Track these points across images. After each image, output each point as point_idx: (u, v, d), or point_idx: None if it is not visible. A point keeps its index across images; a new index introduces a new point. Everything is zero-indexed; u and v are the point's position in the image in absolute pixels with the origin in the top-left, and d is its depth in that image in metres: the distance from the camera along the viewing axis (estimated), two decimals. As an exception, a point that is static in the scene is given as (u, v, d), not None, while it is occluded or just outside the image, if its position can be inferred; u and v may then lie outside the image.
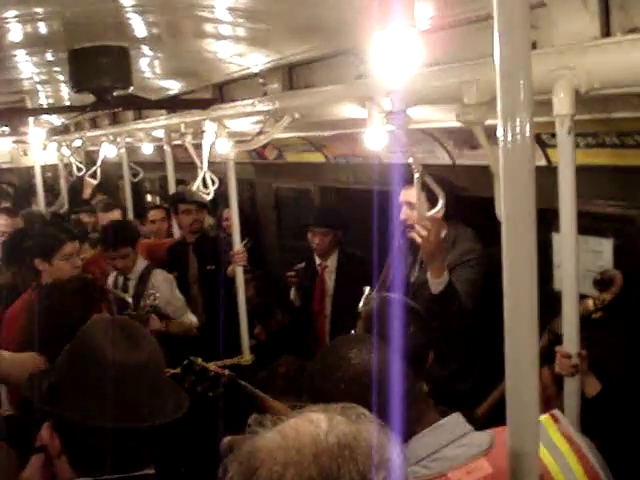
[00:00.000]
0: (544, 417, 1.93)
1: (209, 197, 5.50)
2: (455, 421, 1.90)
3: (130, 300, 4.69)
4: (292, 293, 5.75)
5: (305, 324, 5.70)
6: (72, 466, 1.82)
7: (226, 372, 3.51)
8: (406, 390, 1.83)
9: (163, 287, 5.38)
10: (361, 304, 4.15)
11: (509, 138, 1.30)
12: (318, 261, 5.63)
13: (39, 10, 2.85)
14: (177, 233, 6.68)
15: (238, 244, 5.10)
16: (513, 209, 1.33)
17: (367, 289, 4.27)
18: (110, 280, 5.50)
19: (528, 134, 1.30)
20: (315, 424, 1.13)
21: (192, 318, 5.48)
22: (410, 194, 4.04)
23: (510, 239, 1.34)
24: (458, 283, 3.87)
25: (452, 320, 3.80)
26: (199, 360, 3.59)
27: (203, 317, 5.81)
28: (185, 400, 2.02)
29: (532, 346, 1.35)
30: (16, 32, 3.23)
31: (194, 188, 5.54)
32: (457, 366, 4.12)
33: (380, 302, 2.81)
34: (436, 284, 3.84)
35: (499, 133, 1.33)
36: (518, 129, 1.30)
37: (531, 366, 1.34)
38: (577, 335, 2.72)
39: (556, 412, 2.02)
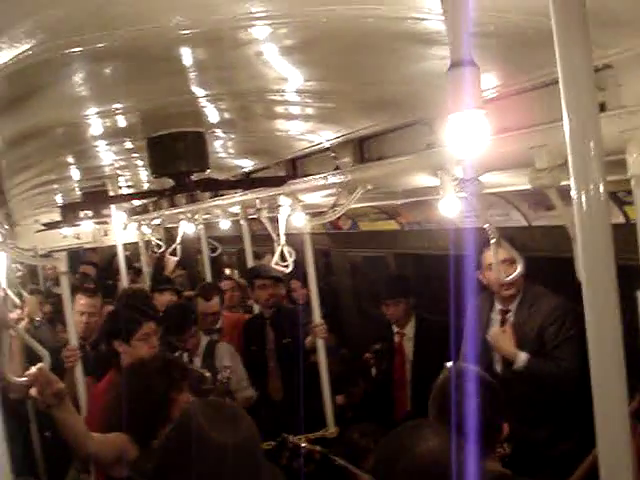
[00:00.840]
0: None
1: (288, 270, 5.55)
2: None
3: (208, 375, 4.74)
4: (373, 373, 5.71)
5: (387, 393, 5.63)
6: None
7: (317, 448, 3.53)
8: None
9: (231, 359, 5.47)
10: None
11: (583, 199, 1.31)
12: (396, 329, 5.60)
13: (118, 106, 3.01)
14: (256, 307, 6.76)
15: (318, 317, 5.12)
16: (593, 269, 1.32)
17: (449, 364, 4.27)
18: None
19: (602, 195, 1.32)
20: None
21: (250, 392, 5.54)
22: (490, 256, 4.08)
23: (591, 298, 1.35)
24: (557, 347, 3.92)
25: (550, 386, 3.85)
26: (292, 437, 3.62)
27: (282, 390, 5.83)
28: (280, 477, 2.05)
29: (621, 407, 1.33)
30: (97, 126, 3.40)
31: (272, 262, 5.62)
32: (555, 427, 4.08)
33: (450, 375, 2.79)
34: (517, 364, 4.15)
35: (573, 195, 1.34)
36: (592, 191, 1.32)
37: (622, 428, 1.32)
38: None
39: None
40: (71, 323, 4.67)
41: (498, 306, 4.63)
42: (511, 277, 3.82)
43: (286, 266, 5.54)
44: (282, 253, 5.52)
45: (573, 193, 1.32)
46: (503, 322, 4.58)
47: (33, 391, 3.25)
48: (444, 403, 2.64)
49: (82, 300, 5.94)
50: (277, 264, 5.58)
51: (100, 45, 2.04)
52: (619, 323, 1.33)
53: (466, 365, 2.91)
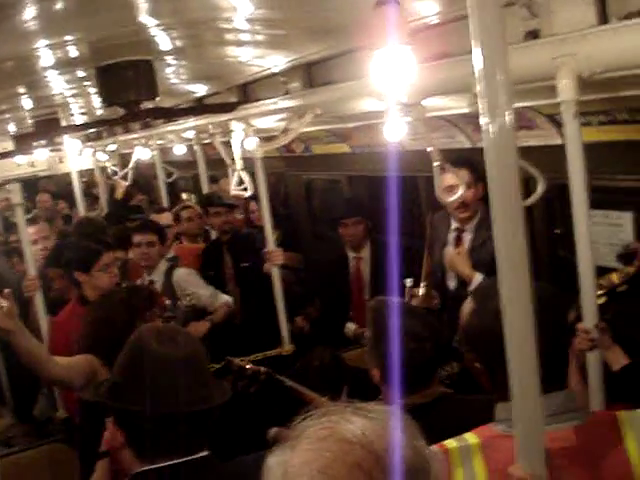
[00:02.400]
0: None
1: (247, 194, 5.63)
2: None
3: (168, 302, 4.88)
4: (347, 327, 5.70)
5: (344, 315, 5.73)
6: (136, 456, 2.06)
7: (262, 369, 3.68)
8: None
9: (189, 281, 5.60)
10: (406, 298, 4.30)
11: (490, 128, 1.39)
12: (352, 254, 5.73)
13: (68, 37, 3.05)
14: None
15: (271, 243, 5.21)
16: (500, 194, 1.42)
17: (408, 281, 4.40)
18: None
19: (508, 123, 1.39)
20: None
21: (224, 297, 5.67)
22: (447, 178, 4.12)
23: (499, 220, 1.43)
24: None
25: None
26: (237, 360, 3.77)
27: (241, 313, 6.01)
28: (228, 390, 2.24)
29: (528, 326, 1.43)
30: (47, 57, 3.43)
31: (231, 187, 5.70)
32: None
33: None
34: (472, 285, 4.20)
35: (482, 122, 1.41)
36: (499, 119, 1.39)
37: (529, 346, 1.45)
38: (594, 309, 2.80)
39: None
40: (29, 253, 4.70)
41: (454, 224, 4.68)
42: (452, 199, 3.93)
43: (244, 189, 5.61)
44: (240, 177, 5.60)
45: (482, 121, 1.39)
46: (458, 242, 4.65)
47: None
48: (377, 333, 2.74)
49: (32, 229, 6.02)
50: (235, 189, 5.67)
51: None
52: (525, 247, 1.42)
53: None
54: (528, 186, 3.68)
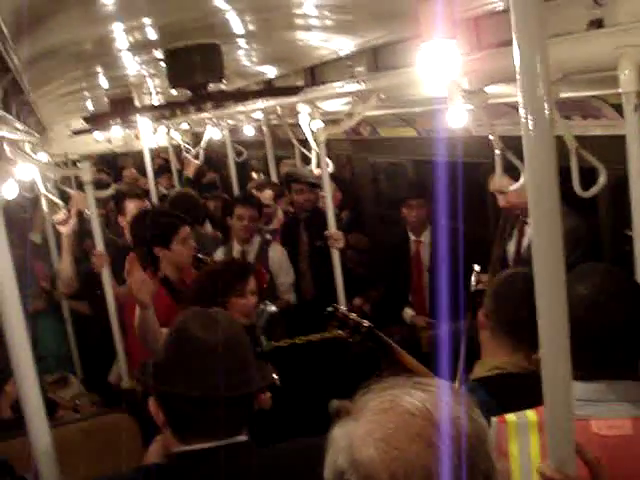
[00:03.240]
0: None
1: (328, 171, 5.65)
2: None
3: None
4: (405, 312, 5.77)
5: (404, 300, 5.78)
6: (176, 437, 2.14)
7: (365, 322, 3.76)
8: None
9: (282, 260, 5.87)
10: (473, 282, 4.32)
11: (529, 118, 1.40)
12: (413, 237, 5.76)
13: (141, 21, 3.17)
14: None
15: (332, 227, 5.26)
16: (537, 187, 1.44)
17: (476, 267, 4.42)
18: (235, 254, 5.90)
19: (547, 115, 1.40)
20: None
21: (291, 297, 5.91)
22: (494, 182, 4.14)
23: (535, 211, 1.45)
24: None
25: None
26: (341, 308, 3.88)
27: (313, 291, 6.14)
28: (269, 374, 2.31)
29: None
30: (121, 40, 3.56)
31: (313, 169, 5.77)
32: None
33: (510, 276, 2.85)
34: None
35: (521, 113, 1.42)
36: (537, 110, 1.40)
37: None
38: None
39: None
40: (97, 229, 4.85)
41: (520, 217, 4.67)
42: (514, 186, 3.89)
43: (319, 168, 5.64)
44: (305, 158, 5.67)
45: (521, 113, 1.41)
46: (520, 234, 4.66)
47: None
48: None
49: (132, 206, 6.20)
50: (314, 169, 5.75)
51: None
52: (560, 242, 1.43)
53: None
54: (594, 176, 3.64)
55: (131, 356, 4.97)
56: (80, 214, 5.73)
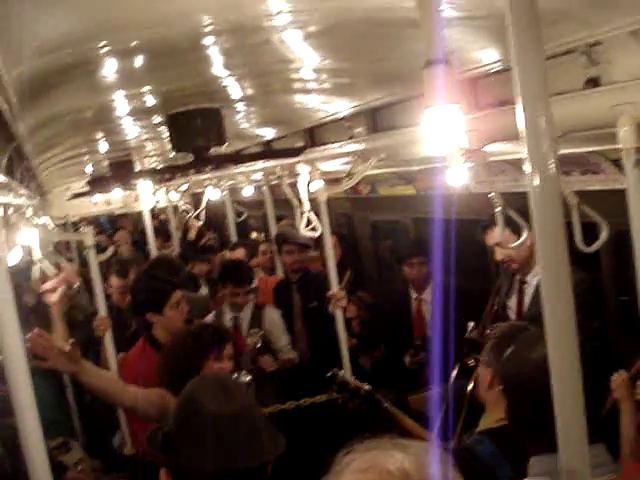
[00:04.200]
0: None
1: (317, 234, 5.68)
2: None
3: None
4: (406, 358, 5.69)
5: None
6: None
7: (365, 386, 3.73)
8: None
9: (278, 322, 5.78)
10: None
11: (536, 175, 1.41)
12: (414, 294, 5.75)
13: (143, 89, 3.22)
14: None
15: (335, 285, 5.25)
16: (545, 244, 1.44)
17: (471, 324, 4.45)
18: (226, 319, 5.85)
19: (552, 170, 1.41)
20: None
21: (292, 354, 5.84)
22: (492, 236, 4.18)
23: (545, 268, 1.45)
24: None
25: None
26: (341, 373, 3.86)
27: (308, 352, 6.08)
28: (282, 442, 2.27)
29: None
30: (122, 107, 3.62)
31: (301, 229, 5.79)
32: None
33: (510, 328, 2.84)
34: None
35: (526, 169, 1.44)
36: (543, 166, 1.41)
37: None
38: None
39: None
40: (100, 293, 4.85)
41: (518, 276, 4.73)
42: (516, 244, 3.90)
43: (313, 229, 5.68)
44: (308, 218, 5.68)
45: (527, 167, 1.43)
46: (520, 293, 4.69)
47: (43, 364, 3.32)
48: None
49: (115, 281, 6.23)
50: (304, 230, 5.75)
51: (129, 44, 2.23)
52: (571, 298, 1.42)
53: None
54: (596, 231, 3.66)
55: (132, 422, 4.90)
56: (69, 286, 5.76)
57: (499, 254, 4.68)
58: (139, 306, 4.83)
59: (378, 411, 3.61)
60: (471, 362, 3.85)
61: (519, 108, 1.43)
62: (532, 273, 4.57)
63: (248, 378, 4.40)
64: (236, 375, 4.07)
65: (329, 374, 3.92)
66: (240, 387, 2.32)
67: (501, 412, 2.63)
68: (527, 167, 1.44)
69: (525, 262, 4.52)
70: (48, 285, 5.38)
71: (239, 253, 7.29)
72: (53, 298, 5.25)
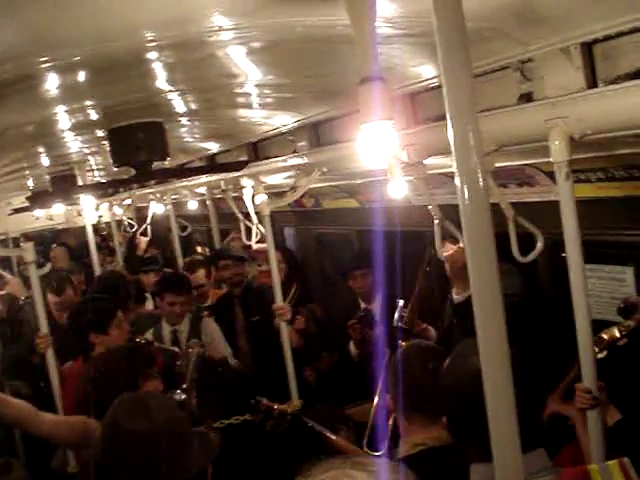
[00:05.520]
0: (612, 463, 2.04)
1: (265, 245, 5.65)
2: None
3: (177, 350, 4.98)
4: (351, 346, 5.76)
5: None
6: None
7: (289, 409, 3.76)
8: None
9: (216, 334, 5.74)
10: (396, 317, 4.44)
11: (465, 189, 1.44)
12: (363, 305, 5.80)
13: (85, 103, 3.22)
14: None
15: (279, 298, 5.26)
16: (475, 253, 1.47)
17: (400, 302, 4.54)
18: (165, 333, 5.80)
19: (481, 185, 1.44)
20: None
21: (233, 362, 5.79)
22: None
23: (475, 280, 1.47)
24: None
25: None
26: (264, 400, 3.87)
27: (252, 366, 6.07)
28: (214, 448, 2.27)
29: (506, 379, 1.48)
30: (64, 121, 3.60)
31: (248, 241, 5.80)
32: None
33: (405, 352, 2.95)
34: (458, 295, 4.38)
35: (456, 183, 1.47)
36: (472, 181, 1.45)
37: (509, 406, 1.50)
38: (593, 367, 2.82)
39: (625, 460, 2.07)
40: (41, 310, 4.74)
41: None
42: (446, 253, 4.11)
43: (260, 241, 5.70)
44: (252, 232, 5.72)
45: (457, 184, 1.46)
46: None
47: None
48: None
49: (52, 299, 6.16)
50: (250, 242, 5.79)
51: (72, 59, 2.24)
52: (501, 307, 1.45)
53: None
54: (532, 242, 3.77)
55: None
56: (14, 300, 5.70)
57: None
58: (82, 326, 4.82)
59: (309, 433, 3.64)
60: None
61: (448, 123, 1.47)
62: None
63: (183, 397, 4.40)
64: (170, 394, 4.07)
65: (252, 401, 3.94)
66: (161, 402, 2.30)
67: (414, 436, 2.71)
68: (456, 181, 1.48)
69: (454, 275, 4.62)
70: None
71: (200, 274, 7.16)
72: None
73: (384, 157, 1.68)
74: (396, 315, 4.49)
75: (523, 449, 1.45)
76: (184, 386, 4.36)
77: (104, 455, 2.20)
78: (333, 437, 3.59)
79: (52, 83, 2.62)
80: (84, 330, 4.77)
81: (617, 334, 3.37)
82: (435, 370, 2.70)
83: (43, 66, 2.25)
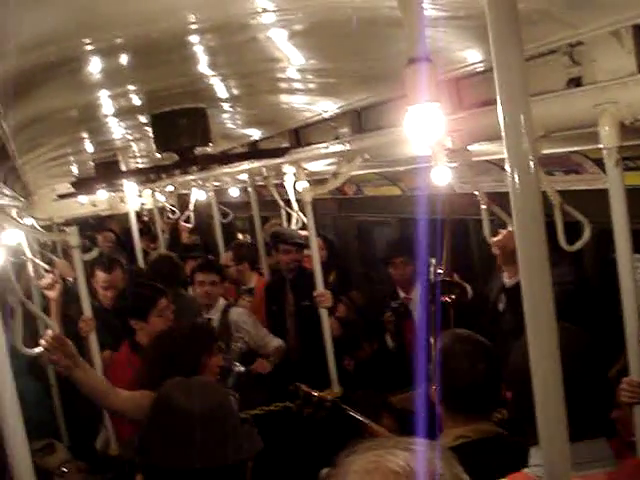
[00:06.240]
0: None
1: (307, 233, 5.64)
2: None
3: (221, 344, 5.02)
4: (387, 338, 5.77)
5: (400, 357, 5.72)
6: None
7: (328, 397, 3.75)
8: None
9: (246, 321, 5.77)
10: (432, 274, 4.41)
11: (515, 175, 1.41)
12: (402, 294, 5.77)
13: (128, 88, 3.22)
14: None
15: (320, 285, 5.25)
16: (524, 238, 1.44)
17: (433, 260, 4.51)
18: None
19: (532, 169, 1.42)
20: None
21: (276, 340, 5.84)
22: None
23: (524, 266, 1.45)
24: None
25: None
26: (303, 386, 3.86)
27: (299, 350, 6.11)
28: (258, 442, 2.26)
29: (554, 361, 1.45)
30: (107, 106, 3.61)
31: (293, 226, 5.79)
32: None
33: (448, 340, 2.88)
34: (509, 280, 4.35)
35: (507, 169, 1.43)
36: (523, 166, 1.41)
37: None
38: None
39: None
40: (84, 293, 4.78)
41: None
42: (496, 239, 4.06)
43: (303, 228, 5.67)
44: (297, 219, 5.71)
45: (507, 170, 1.43)
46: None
47: (50, 357, 3.51)
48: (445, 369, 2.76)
49: (101, 276, 6.22)
50: (297, 228, 5.78)
51: (114, 41, 2.23)
52: (551, 297, 1.43)
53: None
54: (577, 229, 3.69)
55: (118, 422, 4.88)
56: (64, 280, 5.74)
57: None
58: (123, 311, 4.95)
59: (347, 419, 3.63)
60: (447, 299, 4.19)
61: (499, 107, 1.44)
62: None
63: (242, 369, 4.44)
64: (228, 366, 4.12)
65: (291, 387, 3.94)
66: (215, 388, 2.30)
67: (455, 428, 2.66)
68: (507, 167, 1.45)
69: (505, 260, 4.52)
70: (46, 281, 5.39)
71: (227, 256, 7.29)
72: (52, 294, 5.27)
73: (430, 141, 1.65)
74: (432, 272, 4.48)
75: (583, 437, 1.42)
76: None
77: (149, 430, 2.20)
78: (373, 425, 3.57)
79: (95, 66, 2.62)
80: (125, 315, 4.89)
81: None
82: (484, 371, 2.69)
83: (86, 48, 2.24)
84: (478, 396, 2.68)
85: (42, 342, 3.55)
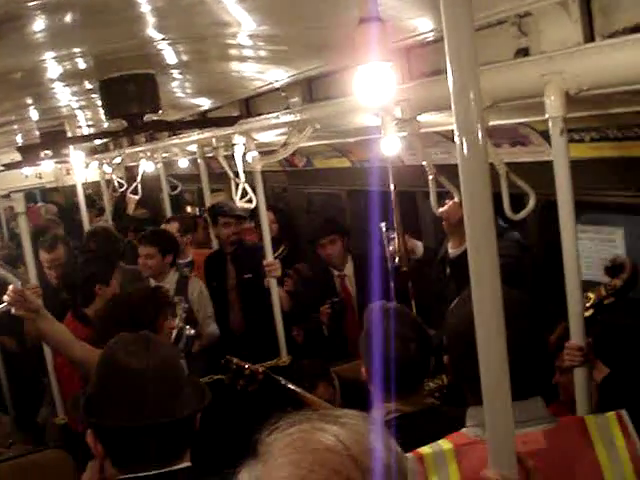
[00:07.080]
0: (610, 414, 2.01)
1: (252, 206, 5.62)
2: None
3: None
4: (324, 329, 5.79)
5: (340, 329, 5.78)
6: (116, 467, 2.10)
7: (260, 369, 3.76)
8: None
9: (200, 294, 5.74)
10: (385, 242, 4.49)
11: (464, 145, 1.45)
12: (335, 272, 5.81)
13: (74, 50, 3.15)
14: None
15: (270, 255, 5.25)
16: (471, 209, 1.48)
17: (382, 225, 4.55)
18: None
19: (480, 140, 1.45)
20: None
21: (213, 327, 5.80)
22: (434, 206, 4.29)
23: (471, 234, 1.48)
24: None
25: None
26: (235, 359, 3.87)
27: (242, 323, 6.09)
28: (207, 395, 2.27)
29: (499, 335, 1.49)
30: (53, 69, 3.53)
31: (236, 200, 5.75)
32: None
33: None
34: (454, 250, 4.32)
35: (456, 140, 1.47)
36: (472, 136, 1.45)
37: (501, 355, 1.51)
38: (582, 325, 2.84)
39: (623, 412, 2.04)
40: (30, 262, 4.73)
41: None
42: (442, 209, 4.13)
43: (249, 201, 5.64)
44: (244, 191, 5.67)
45: (456, 138, 1.45)
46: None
47: (14, 310, 3.61)
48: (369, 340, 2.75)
49: (44, 256, 6.13)
50: (240, 202, 5.73)
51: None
52: (496, 259, 1.47)
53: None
54: (523, 201, 3.76)
55: (64, 392, 4.85)
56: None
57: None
58: (88, 280, 4.98)
59: (280, 391, 3.65)
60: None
61: (449, 77, 1.46)
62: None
63: (192, 332, 4.45)
64: (182, 327, 4.15)
65: (223, 361, 3.95)
66: (160, 344, 2.30)
67: (390, 404, 2.66)
68: (455, 136, 1.48)
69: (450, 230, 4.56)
70: None
71: (173, 227, 7.22)
72: None
73: (381, 101, 1.65)
74: (385, 239, 4.52)
75: (519, 397, 1.45)
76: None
77: (95, 387, 2.19)
78: (307, 394, 3.58)
79: (40, 25, 2.55)
80: (90, 284, 4.93)
81: (604, 293, 3.38)
82: (416, 351, 2.71)
83: (31, 4, 2.19)
84: (410, 374, 2.71)
85: (5, 297, 3.62)
